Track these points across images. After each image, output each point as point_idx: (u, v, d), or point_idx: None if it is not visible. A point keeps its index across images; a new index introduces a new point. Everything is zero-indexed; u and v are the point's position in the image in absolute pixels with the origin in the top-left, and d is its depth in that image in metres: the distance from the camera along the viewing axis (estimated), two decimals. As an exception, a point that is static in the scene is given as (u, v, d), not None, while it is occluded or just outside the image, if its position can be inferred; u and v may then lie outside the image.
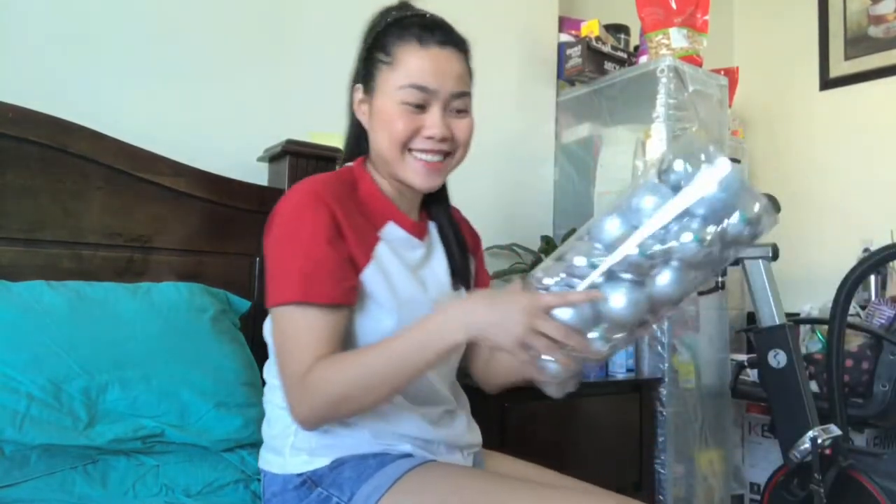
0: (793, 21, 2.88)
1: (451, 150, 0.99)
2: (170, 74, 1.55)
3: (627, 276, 0.79)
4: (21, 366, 1.03)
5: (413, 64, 0.94)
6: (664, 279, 0.80)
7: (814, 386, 1.90)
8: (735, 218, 0.77)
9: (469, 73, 1.01)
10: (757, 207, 0.78)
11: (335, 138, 1.67)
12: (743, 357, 2.07)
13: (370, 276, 0.94)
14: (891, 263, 2.15)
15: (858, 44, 2.68)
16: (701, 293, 1.97)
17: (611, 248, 0.80)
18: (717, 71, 2.30)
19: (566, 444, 1.69)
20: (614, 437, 1.81)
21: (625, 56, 2.24)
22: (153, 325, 1.17)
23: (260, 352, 1.39)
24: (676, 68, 2.02)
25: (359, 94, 1.02)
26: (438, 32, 0.97)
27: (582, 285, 0.81)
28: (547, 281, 0.83)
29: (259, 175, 1.60)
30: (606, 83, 2.19)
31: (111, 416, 1.05)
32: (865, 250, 2.23)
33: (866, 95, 2.64)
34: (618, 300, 0.79)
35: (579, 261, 0.82)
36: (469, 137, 1.00)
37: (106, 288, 1.20)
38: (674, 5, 2.08)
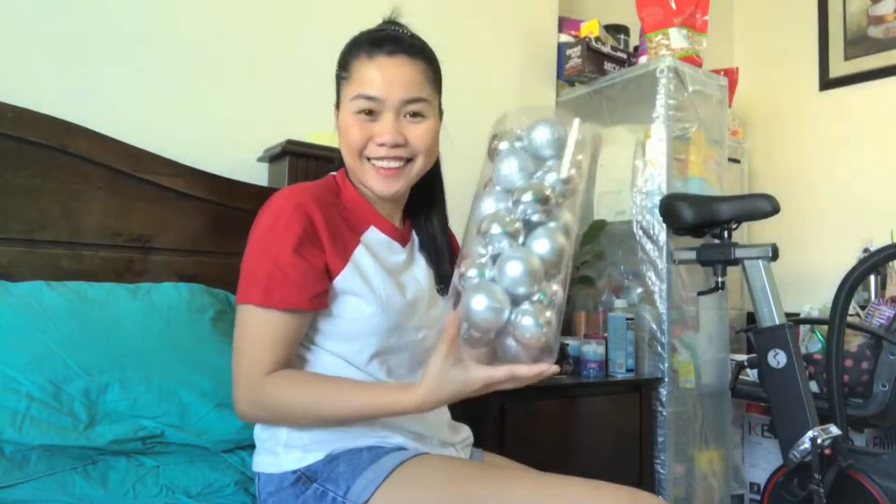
0: (792, 21, 2.88)
1: (409, 157, 1.00)
2: (170, 75, 1.55)
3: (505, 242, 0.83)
4: (21, 366, 1.03)
5: (361, 75, 0.98)
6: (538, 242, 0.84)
7: (814, 386, 1.90)
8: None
9: (429, 78, 1.01)
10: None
11: (335, 139, 1.68)
12: (743, 357, 2.07)
13: (346, 278, 0.96)
14: (891, 263, 2.15)
15: (858, 44, 2.68)
16: (701, 293, 1.97)
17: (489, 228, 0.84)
18: (717, 71, 2.30)
19: (566, 444, 1.69)
20: (614, 437, 1.81)
21: (624, 56, 2.24)
22: (153, 325, 1.17)
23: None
24: (676, 69, 2.02)
25: (335, 110, 1.06)
26: (387, 43, 0.99)
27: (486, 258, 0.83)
28: (471, 273, 0.84)
29: (259, 175, 1.60)
30: (606, 83, 2.19)
31: (111, 416, 1.05)
32: (865, 250, 2.23)
33: (866, 96, 2.64)
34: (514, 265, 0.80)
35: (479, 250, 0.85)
36: (428, 142, 1.00)
37: (106, 288, 1.20)
38: (674, 5, 2.08)
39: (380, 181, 1.00)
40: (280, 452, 0.96)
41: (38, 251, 1.26)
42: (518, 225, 0.83)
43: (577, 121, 0.89)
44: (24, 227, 1.25)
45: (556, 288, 0.83)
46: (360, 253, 0.99)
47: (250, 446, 1.13)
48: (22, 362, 1.03)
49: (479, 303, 0.78)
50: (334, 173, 1.10)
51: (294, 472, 0.94)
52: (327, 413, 0.90)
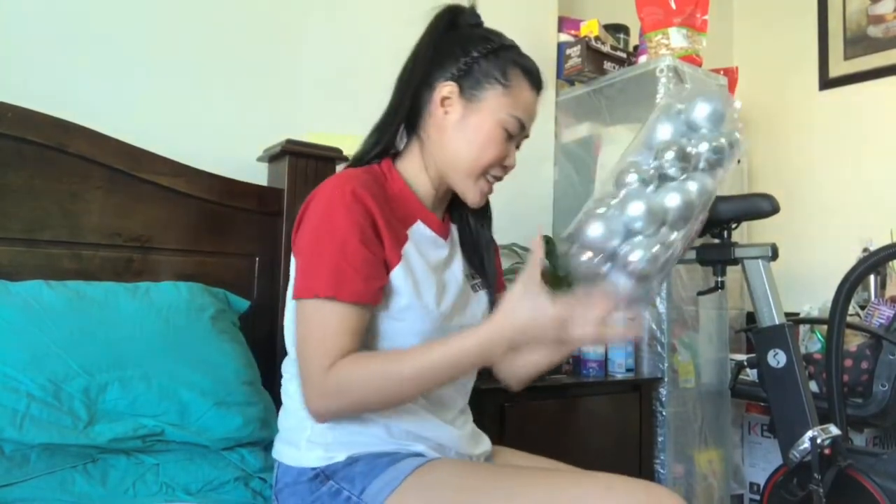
0: (792, 21, 2.88)
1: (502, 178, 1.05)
2: (170, 74, 1.55)
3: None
4: (21, 365, 1.03)
5: (525, 99, 1.00)
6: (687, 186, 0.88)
7: (813, 386, 1.90)
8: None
9: None
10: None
11: (335, 138, 1.68)
12: (743, 357, 2.07)
13: (398, 274, 0.94)
14: (890, 263, 2.15)
15: (858, 44, 2.68)
16: (700, 293, 1.97)
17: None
18: (717, 71, 2.30)
19: (566, 444, 1.69)
20: (614, 437, 1.81)
21: (624, 56, 2.24)
22: (153, 324, 1.17)
23: (260, 351, 1.40)
24: (676, 68, 2.02)
25: (447, 91, 1.00)
26: (540, 82, 1.04)
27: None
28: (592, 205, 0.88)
29: (259, 175, 1.60)
30: (606, 83, 2.19)
31: (111, 415, 1.05)
32: (865, 250, 2.23)
33: (866, 95, 2.64)
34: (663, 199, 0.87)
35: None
36: None
37: (105, 287, 1.21)
38: (673, 5, 2.08)
39: (481, 195, 1.02)
40: (302, 446, 0.95)
41: (38, 251, 1.26)
42: (653, 173, 0.87)
43: (738, 103, 0.95)
44: (24, 227, 1.25)
45: (675, 237, 0.86)
46: (409, 248, 0.97)
47: (250, 444, 1.14)
48: (22, 361, 1.03)
49: (595, 228, 0.84)
50: (377, 162, 1.05)
51: (313, 468, 0.93)
52: (408, 374, 0.86)
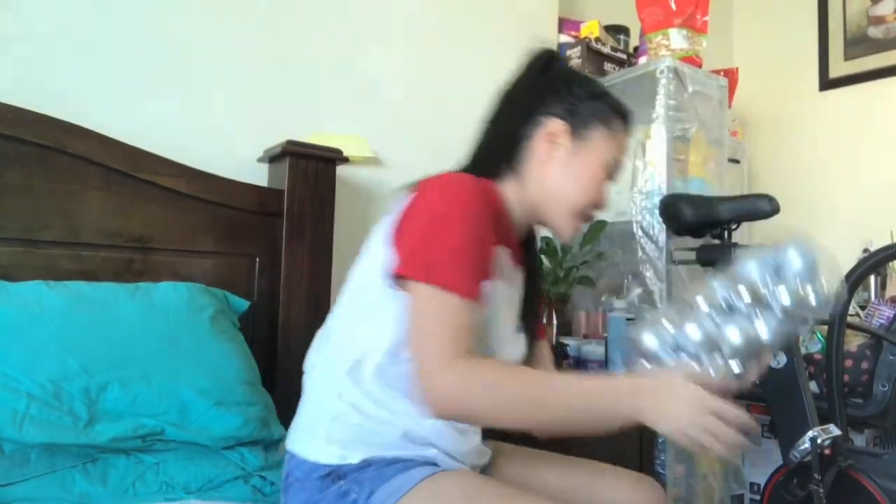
0: (792, 22, 2.88)
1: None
2: (170, 74, 1.55)
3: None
4: (21, 365, 1.03)
5: (623, 144, 1.05)
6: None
7: (813, 386, 1.89)
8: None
9: None
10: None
11: (335, 139, 1.68)
12: (743, 357, 2.06)
13: (489, 289, 0.92)
14: (891, 263, 2.15)
15: (858, 44, 2.68)
16: (701, 293, 1.97)
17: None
18: (717, 72, 2.30)
19: (565, 444, 1.69)
20: (614, 437, 1.80)
21: (624, 57, 2.24)
22: (152, 324, 1.17)
23: (259, 351, 1.40)
24: (676, 69, 2.02)
25: (557, 127, 1.01)
26: (632, 125, 1.08)
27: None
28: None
29: (259, 175, 1.60)
30: (606, 84, 2.19)
31: (111, 414, 1.05)
32: (865, 250, 2.23)
33: (866, 96, 2.64)
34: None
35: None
36: None
37: (105, 288, 1.21)
38: (673, 6, 2.08)
39: (574, 232, 1.05)
40: (321, 441, 0.94)
41: (37, 251, 1.26)
42: (722, 304, 0.90)
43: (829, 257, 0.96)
44: (24, 227, 1.25)
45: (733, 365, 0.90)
46: (498, 268, 0.97)
47: (250, 443, 1.14)
48: (22, 361, 1.04)
49: (648, 337, 0.90)
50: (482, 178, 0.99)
51: (326, 465, 0.92)
52: (553, 399, 0.86)
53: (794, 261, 0.92)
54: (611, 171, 1.03)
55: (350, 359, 0.93)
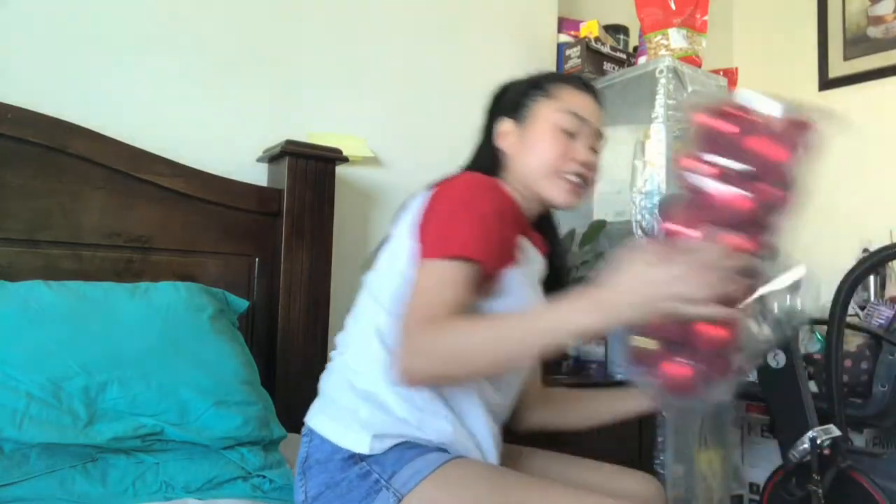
0: (792, 21, 2.88)
1: (589, 179, 1.10)
2: (170, 74, 1.55)
3: None
4: (20, 365, 1.03)
5: (571, 98, 1.10)
6: None
7: (813, 386, 1.89)
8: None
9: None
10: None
11: (334, 139, 1.68)
12: (742, 357, 2.06)
13: (514, 276, 0.98)
14: (890, 263, 2.15)
15: (857, 44, 2.68)
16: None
17: None
18: (717, 71, 2.30)
19: (565, 444, 1.69)
20: (614, 438, 1.81)
21: (624, 56, 2.24)
22: (152, 324, 1.17)
23: (259, 351, 1.40)
24: (675, 69, 2.01)
25: (505, 126, 1.11)
26: (593, 91, 1.14)
27: None
28: None
29: (258, 175, 1.60)
30: (605, 84, 2.19)
31: (110, 414, 1.05)
32: (865, 250, 2.23)
33: (865, 96, 2.64)
34: None
35: None
36: (597, 175, 1.13)
37: (104, 288, 1.21)
38: (673, 6, 2.08)
39: (566, 194, 1.07)
40: (353, 428, 0.94)
41: (37, 251, 1.27)
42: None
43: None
44: (24, 227, 1.26)
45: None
46: (522, 255, 1.02)
47: (250, 443, 1.14)
48: (21, 361, 1.04)
49: None
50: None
51: (352, 452, 0.93)
52: (508, 335, 0.84)
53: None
54: (568, 126, 1.07)
55: (382, 351, 0.96)
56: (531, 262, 1.06)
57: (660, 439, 1.89)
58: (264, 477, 1.10)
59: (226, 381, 1.17)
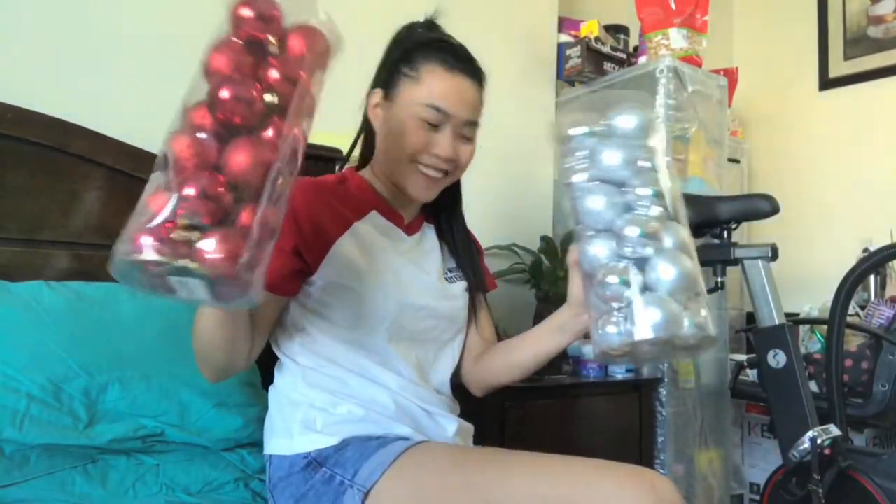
0: (792, 21, 2.88)
1: (450, 171, 1.04)
2: (170, 75, 1.54)
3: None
4: (21, 365, 1.03)
5: (437, 86, 0.99)
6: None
7: (813, 386, 1.90)
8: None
9: (481, 104, 1.05)
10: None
11: (335, 138, 1.67)
12: (742, 357, 2.06)
13: (346, 244, 0.99)
14: (890, 263, 2.15)
15: (858, 44, 2.68)
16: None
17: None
18: (717, 71, 2.30)
19: (565, 445, 1.69)
20: (614, 438, 1.81)
21: (624, 56, 2.24)
22: (152, 325, 1.17)
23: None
24: (676, 69, 2.02)
25: (376, 98, 1.06)
26: (464, 62, 1.02)
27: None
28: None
29: (259, 175, 1.60)
30: (606, 84, 2.19)
31: (111, 415, 1.05)
32: (865, 250, 2.23)
33: (866, 96, 2.64)
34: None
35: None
36: (468, 162, 1.07)
37: (106, 288, 1.20)
38: (673, 6, 2.08)
39: (421, 187, 1.03)
40: (295, 433, 0.97)
41: (38, 251, 1.26)
42: (632, 270, 0.82)
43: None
44: (24, 227, 1.25)
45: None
46: (360, 226, 1.02)
47: (249, 444, 1.14)
48: (22, 362, 1.03)
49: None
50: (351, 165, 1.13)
51: (305, 455, 0.95)
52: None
53: (629, 122, 0.90)
54: (429, 118, 0.99)
55: (291, 354, 1.03)
56: (386, 235, 1.05)
57: (660, 439, 1.89)
58: (264, 481, 1.10)
59: (226, 382, 1.15)
